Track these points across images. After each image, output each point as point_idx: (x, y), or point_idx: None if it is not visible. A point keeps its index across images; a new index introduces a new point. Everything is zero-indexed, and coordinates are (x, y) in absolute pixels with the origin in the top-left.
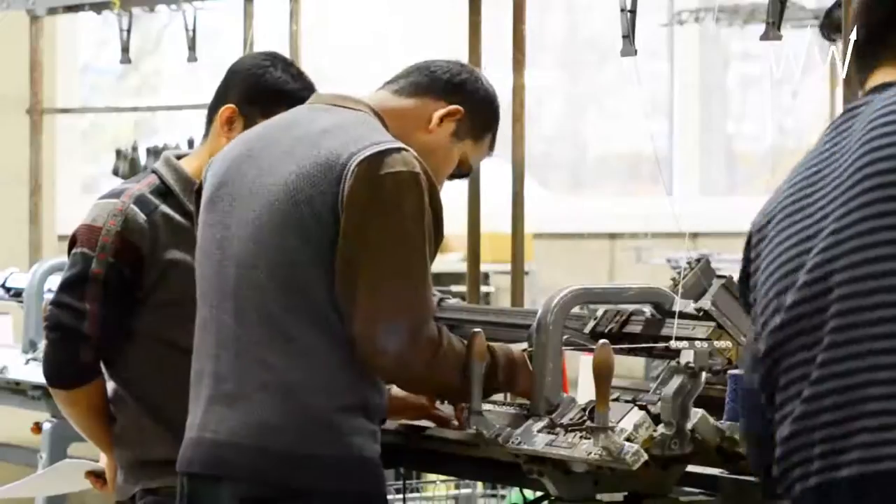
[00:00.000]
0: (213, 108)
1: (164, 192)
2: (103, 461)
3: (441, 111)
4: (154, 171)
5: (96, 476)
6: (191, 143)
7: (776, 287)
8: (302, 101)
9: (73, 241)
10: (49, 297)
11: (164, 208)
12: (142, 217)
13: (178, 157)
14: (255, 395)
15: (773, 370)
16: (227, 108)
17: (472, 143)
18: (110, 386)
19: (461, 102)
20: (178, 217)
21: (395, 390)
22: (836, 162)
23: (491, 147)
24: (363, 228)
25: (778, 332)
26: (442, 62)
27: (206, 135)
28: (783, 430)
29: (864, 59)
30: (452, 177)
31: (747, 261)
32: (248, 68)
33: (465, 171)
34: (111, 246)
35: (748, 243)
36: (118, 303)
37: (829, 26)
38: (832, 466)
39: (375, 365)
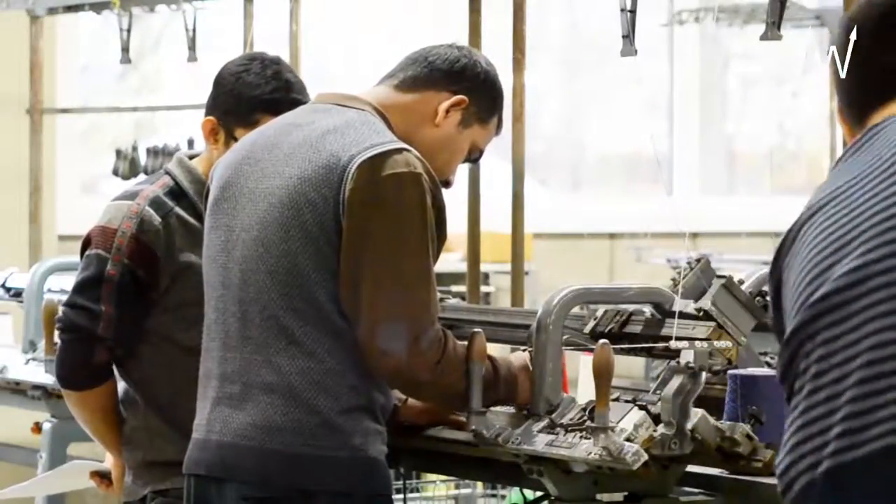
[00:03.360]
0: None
1: (177, 193)
2: (108, 461)
3: (445, 103)
4: (167, 172)
5: (101, 476)
6: (191, 143)
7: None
8: (276, 103)
9: (86, 243)
10: (49, 297)
11: (179, 210)
12: (157, 219)
13: (191, 157)
14: (260, 396)
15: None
16: (207, 121)
17: (479, 128)
18: (121, 386)
19: (464, 90)
20: (191, 219)
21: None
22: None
23: (499, 127)
24: (365, 232)
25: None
26: (439, 49)
27: None
28: (797, 420)
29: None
30: (464, 161)
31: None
32: (224, 77)
33: (475, 156)
34: (126, 248)
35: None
36: (133, 304)
37: None
38: (851, 446)
39: (379, 369)
